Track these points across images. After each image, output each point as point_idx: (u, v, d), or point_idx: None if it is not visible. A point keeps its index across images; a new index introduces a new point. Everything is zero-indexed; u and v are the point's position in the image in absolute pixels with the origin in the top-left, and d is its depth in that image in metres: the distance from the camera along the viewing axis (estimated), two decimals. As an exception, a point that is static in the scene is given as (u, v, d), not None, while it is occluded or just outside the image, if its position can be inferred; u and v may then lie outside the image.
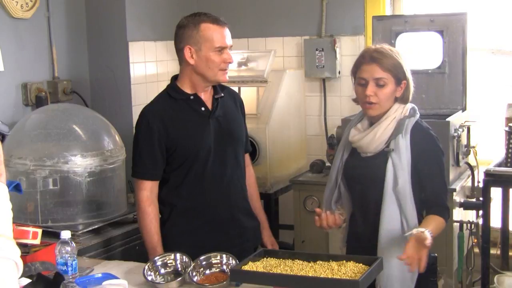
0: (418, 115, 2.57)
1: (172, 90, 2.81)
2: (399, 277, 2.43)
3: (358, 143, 2.57)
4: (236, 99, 2.97)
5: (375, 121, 2.56)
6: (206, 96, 2.82)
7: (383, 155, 2.50)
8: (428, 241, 2.32)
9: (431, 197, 2.52)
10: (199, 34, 2.70)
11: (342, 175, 2.65)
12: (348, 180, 2.64)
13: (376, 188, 2.49)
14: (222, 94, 2.86)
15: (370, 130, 2.53)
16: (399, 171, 2.46)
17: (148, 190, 2.78)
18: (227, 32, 2.75)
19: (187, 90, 2.80)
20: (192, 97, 2.79)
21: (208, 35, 2.70)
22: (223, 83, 2.87)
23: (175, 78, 2.86)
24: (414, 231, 2.35)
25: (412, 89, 2.59)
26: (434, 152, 2.54)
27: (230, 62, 2.76)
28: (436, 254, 2.65)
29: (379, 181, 2.48)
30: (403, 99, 2.56)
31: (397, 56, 2.53)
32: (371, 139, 2.52)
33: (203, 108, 2.80)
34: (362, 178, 2.58)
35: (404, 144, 2.47)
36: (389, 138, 2.51)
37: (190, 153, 2.76)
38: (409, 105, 2.58)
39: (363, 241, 2.57)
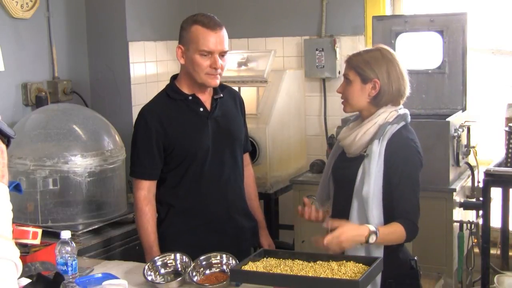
0: (404, 123, 2.49)
1: (171, 90, 2.81)
2: None
3: (342, 142, 2.58)
4: (236, 98, 2.96)
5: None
6: (205, 97, 2.81)
7: (361, 159, 2.47)
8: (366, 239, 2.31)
9: (400, 211, 2.41)
10: (188, 35, 2.69)
11: (331, 172, 2.65)
12: (333, 179, 2.64)
13: (349, 190, 2.46)
14: (222, 95, 2.84)
15: (353, 131, 2.51)
16: (366, 176, 2.40)
17: (146, 190, 2.78)
18: (218, 36, 2.68)
19: (186, 90, 2.79)
20: (190, 97, 2.78)
21: (194, 37, 2.67)
22: (216, 86, 2.83)
23: (174, 78, 2.86)
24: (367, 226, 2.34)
25: (392, 90, 2.47)
26: (407, 165, 2.44)
27: (215, 68, 2.69)
28: (416, 257, 2.57)
29: (352, 183, 2.45)
30: (380, 102, 2.48)
31: (372, 54, 2.49)
32: (352, 141, 2.50)
33: (201, 109, 2.79)
34: (342, 178, 2.57)
35: (377, 150, 2.41)
36: (368, 142, 2.46)
37: (188, 153, 2.76)
38: (400, 111, 2.50)
39: None
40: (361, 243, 2.34)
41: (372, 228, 2.33)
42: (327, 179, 2.69)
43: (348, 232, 2.32)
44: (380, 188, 2.41)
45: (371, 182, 2.40)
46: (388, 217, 2.42)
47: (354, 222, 2.42)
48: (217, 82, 2.75)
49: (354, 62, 2.51)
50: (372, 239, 2.31)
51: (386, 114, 2.48)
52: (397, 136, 2.45)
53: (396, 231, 2.39)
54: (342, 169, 2.58)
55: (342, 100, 2.56)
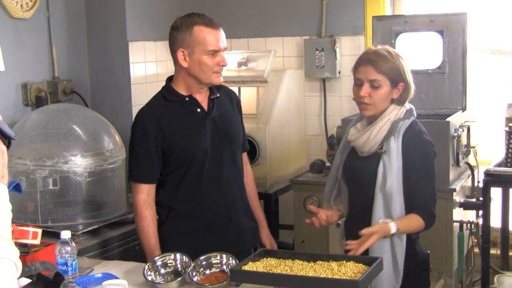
0: (413, 117, 2.58)
1: (167, 92, 2.80)
2: (385, 276, 2.44)
3: (355, 142, 2.62)
4: (232, 97, 2.96)
5: (373, 121, 2.59)
6: (202, 97, 2.81)
7: (377, 156, 2.53)
8: (390, 233, 2.43)
9: (419, 201, 2.53)
10: (192, 37, 2.68)
11: (341, 172, 2.69)
12: (346, 178, 2.68)
13: (368, 188, 2.53)
14: (218, 95, 2.84)
15: (366, 130, 2.57)
16: (388, 173, 2.49)
17: (145, 194, 2.76)
18: (220, 34, 2.71)
19: (182, 91, 2.78)
20: (187, 98, 2.77)
21: (200, 39, 2.67)
22: (220, 83, 2.85)
23: (170, 79, 2.84)
24: (380, 221, 2.45)
25: (412, 91, 2.60)
26: (424, 158, 2.54)
27: (223, 65, 2.73)
28: (428, 251, 2.68)
29: (370, 181, 2.52)
30: (400, 101, 2.58)
31: (396, 58, 2.55)
32: (366, 140, 2.56)
33: (198, 110, 2.78)
34: (358, 177, 2.62)
35: (395, 146, 2.50)
36: (382, 139, 2.53)
37: (187, 155, 2.75)
38: (407, 106, 2.59)
39: (357, 239, 2.56)
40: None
41: (388, 220, 2.45)
42: (335, 180, 2.73)
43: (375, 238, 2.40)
44: (401, 182, 2.51)
45: (394, 177, 2.49)
46: (409, 209, 2.53)
47: (378, 216, 2.50)
48: (222, 79, 2.77)
49: (383, 67, 2.51)
50: (393, 228, 2.43)
51: (396, 110, 2.56)
52: (411, 131, 2.55)
53: (414, 221, 2.51)
54: (357, 169, 2.62)
55: (367, 103, 2.54)
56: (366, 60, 2.55)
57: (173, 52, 2.75)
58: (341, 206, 2.74)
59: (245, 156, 3.04)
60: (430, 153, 2.56)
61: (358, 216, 2.61)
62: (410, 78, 2.58)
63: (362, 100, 2.54)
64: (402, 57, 2.59)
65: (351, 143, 2.64)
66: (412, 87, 2.60)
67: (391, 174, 2.48)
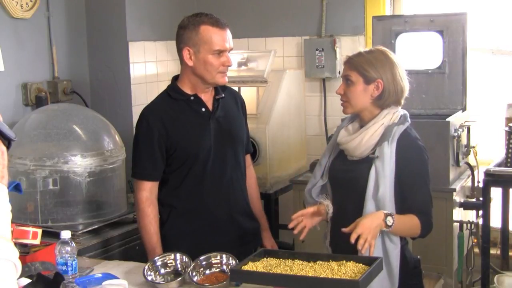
0: (408, 123, 2.51)
1: (172, 91, 2.81)
2: (378, 284, 2.32)
3: (345, 145, 2.54)
4: (237, 99, 2.96)
5: (364, 125, 2.52)
6: (207, 97, 2.82)
7: (368, 161, 2.45)
8: (384, 222, 2.31)
9: (417, 205, 2.44)
10: (198, 36, 2.69)
11: (328, 175, 2.63)
12: (332, 181, 2.60)
13: (357, 193, 2.44)
14: (223, 95, 2.85)
15: (358, 134, 2.49)
16: (381, 178, 2.41)
17: (148, 191, 2.77)
18: (227, 34, 2.73)
19: (187, 90, 2.79)
20: (192, 97, 2.78)
21: (207, 38, 2.68)
22: (225, 84, 2.85)
23: (175, 79, 2.85)
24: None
25: (405, 92, 2.52)
26: (419, 164, 2.47)
27: (229, 65, 2.74)
28: (419, 257, 2.61)
29: (361, 186, 2.44)
30: (385, 103, 2.49)
31: (375, 56, 2.49)
32: (358, 144, 2.48)
33: (203, 109, 2.79)
34: (345, 181, 2.54)
35: (389, 152, 2.42)
36: (375, 144, 2.46)
37: (190, 154, 2.76)
38: (401, 112, 2.52)
39: (344, 244, 2.45)
40: (382, 227, 2.32)
41: (386, 211, 2.34)
42: (318, 178, 2.66)
43: (364, 224, 2.29)
44: (393, 189, 2.43)
45: (387, 183, 2.41)
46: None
47: None
48: (226, 79, 2.77)
49: (356, 62, 2.49)
50: (390, 221, 2.32)
51: (390, 115, 2.49)
52: (406, 137, 2.48)
53: (411, 220, 2.41)
54: (346, 172, 2.54)
55: (343, 101, 2.54)
56: (346, 58, 2.55)
57: (179, 51, 2.75)
58: (328, 202, 2.61)
59: (248, 158, 3.04)
60: (424, 160, 2.49)
61: (343, 223, 2.45)
62: (398, 80, 2.48)
63: (340, 98, 2.54)
64: (396, 59, 2.51)
65: (341, 146, 2.57)
66: (403, 86, 2.50)
67: (384, 180, 2.40)
